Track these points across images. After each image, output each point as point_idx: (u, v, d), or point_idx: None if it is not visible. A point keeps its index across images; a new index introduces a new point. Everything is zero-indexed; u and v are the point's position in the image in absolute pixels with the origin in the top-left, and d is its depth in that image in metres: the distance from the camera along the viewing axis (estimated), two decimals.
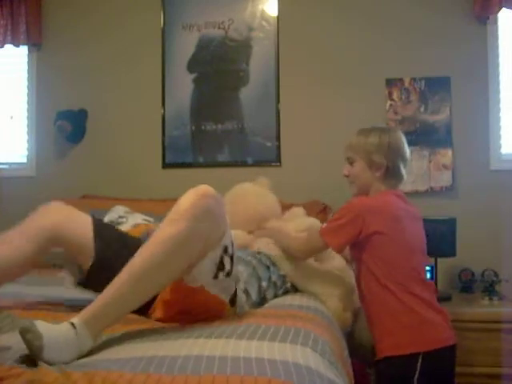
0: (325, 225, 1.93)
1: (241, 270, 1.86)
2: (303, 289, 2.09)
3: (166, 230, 1.38)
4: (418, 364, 1.74)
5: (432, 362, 1.76)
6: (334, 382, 1.17)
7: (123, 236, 1.86)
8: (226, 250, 1.49)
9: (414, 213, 1.95)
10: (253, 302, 1.82)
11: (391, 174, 1.94)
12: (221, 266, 1.48)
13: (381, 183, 1.95)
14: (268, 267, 2.02)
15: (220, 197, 1.48)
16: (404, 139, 1.99)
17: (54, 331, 1.19)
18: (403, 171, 1.97)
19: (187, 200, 1.41)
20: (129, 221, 2.58)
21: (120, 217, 2.62)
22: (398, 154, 1.95)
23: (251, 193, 2.48)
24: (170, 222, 1.40)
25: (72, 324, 1.24)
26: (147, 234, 1.93)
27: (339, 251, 1.95)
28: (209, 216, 1.41)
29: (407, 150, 1.99)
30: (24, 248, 1.56)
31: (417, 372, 1.74)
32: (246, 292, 1.80)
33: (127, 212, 2.70)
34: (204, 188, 1.45)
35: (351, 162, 2.02)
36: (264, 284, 1.92)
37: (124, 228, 2.30)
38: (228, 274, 1.51)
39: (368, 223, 1.80)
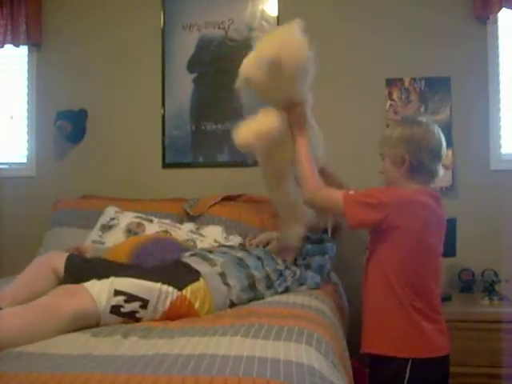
0: (352, 192, 1.81)
1: (215, 257, 1.92)
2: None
3: None
4: (408, 369, 1.72)
5: (422, 369, 1.73)
6: None
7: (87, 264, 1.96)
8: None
9: (442, 217, 1.86)
10: (240, 289, 1.85)
11: (417, 170, 1.82)
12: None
13: (408, 181, 1.84)
14: (259, 258, 2.03)
15: None
16: (433, 130, 1.86)
17: None
18: (434, 166, 1.84)
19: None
20: (120, 222, 2.69)
21: (111, 218, 2.70)
22: (422, 148, 1.81)
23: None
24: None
25: None
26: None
27: (353, 227, 1.82)
28: None
29: (437, 143, 1.85)
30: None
31: (406, 376, 1.72)
32: (223, 275, 1.83)
33: (118, 212, 2.75)
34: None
35: (382, 159, 1.92)
36: (256, 273, 1.94)
37: (118, 230, 2.59)
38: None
39: (396, 216, 1.72)
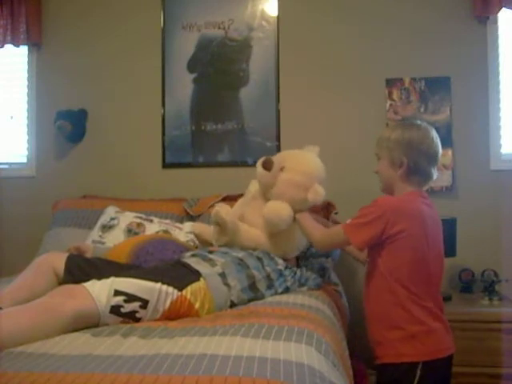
0: (349, 221, 1.86)
1: (215, 258, 1.93)
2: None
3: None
4: (417, 373, 1.72)
5: (431, 371, 1.73)
6: None
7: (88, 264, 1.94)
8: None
9: (435, 217, 1.89)
10: (241, 289, 1.85)
11: (413, 172, 1.86)
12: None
13: (404, 182, 1.87)
14: (260, 258, 2.03)
15: None
16: (431, 135, 1.89)
17: None
18: (429, 169, 1.87)
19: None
20: (120, 222, 2.69)
21: (112, 218, 2.70)
22: (420, 151, 1.84)
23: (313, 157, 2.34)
24: None
25: None
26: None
27: (361, 249, 1.90)
28: None
29: (436, 148, 1.88)
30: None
31: (415, 381, 1.72)
32: (223, 275, 1.84)
33: (118, 212, 2.75)
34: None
35: (378, 159, 1.95)
36: (256, 273, 1.94)
37: (118, 230, 2.59)
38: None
39: (392, 224, 1.75)
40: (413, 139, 1.86)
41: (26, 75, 3.42)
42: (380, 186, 1.99)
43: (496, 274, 2.70)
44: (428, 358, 1.73)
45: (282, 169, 2.22)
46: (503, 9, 2.84)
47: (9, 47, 3.33)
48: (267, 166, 2.21)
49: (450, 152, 2.94)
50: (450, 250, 2.62)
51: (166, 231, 2.61)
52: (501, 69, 2.96)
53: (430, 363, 1.73)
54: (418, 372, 1.72)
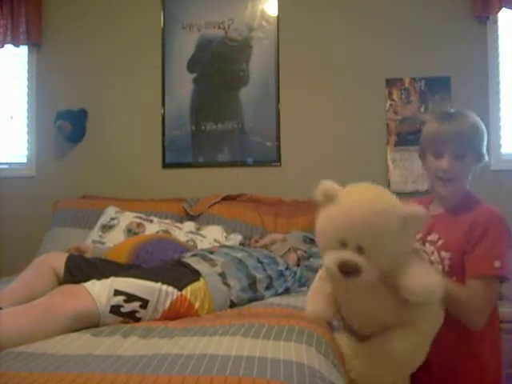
0: (497, 263, 1.51)
1: (215, 258, 1.92)
2: None
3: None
4: None
5: None
6: None
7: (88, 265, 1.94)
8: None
9: None
10: (240, 289, 1.85)
11: None
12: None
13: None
14: (260, 260, 2.03)
15: None
16: None
17: None
18: None
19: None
20: (120, 222, 2.71)
21: (112, 219, 2.70)
22: None
23: None
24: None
25: None
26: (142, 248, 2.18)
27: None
28: None
29: None
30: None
31: None
32: (223, 275, 1.83)
33: (118, 212, 2.76)
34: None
35: (462, 156, 1.58)
36: (255, 273, 1.94)
37: (118, 230, 2.60)
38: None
39: None
40: (482, 127, 1.63)
41: (26, 75, 3.42)
42: (444, 190, 1.64)
43: None
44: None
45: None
46: (503, 9, 2.85)
47: (9, 47, 3.33)
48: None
49: None
50: None
51: (165, 231, 2.61)
52: (501, 69, 2.97)
53: None
54: None
